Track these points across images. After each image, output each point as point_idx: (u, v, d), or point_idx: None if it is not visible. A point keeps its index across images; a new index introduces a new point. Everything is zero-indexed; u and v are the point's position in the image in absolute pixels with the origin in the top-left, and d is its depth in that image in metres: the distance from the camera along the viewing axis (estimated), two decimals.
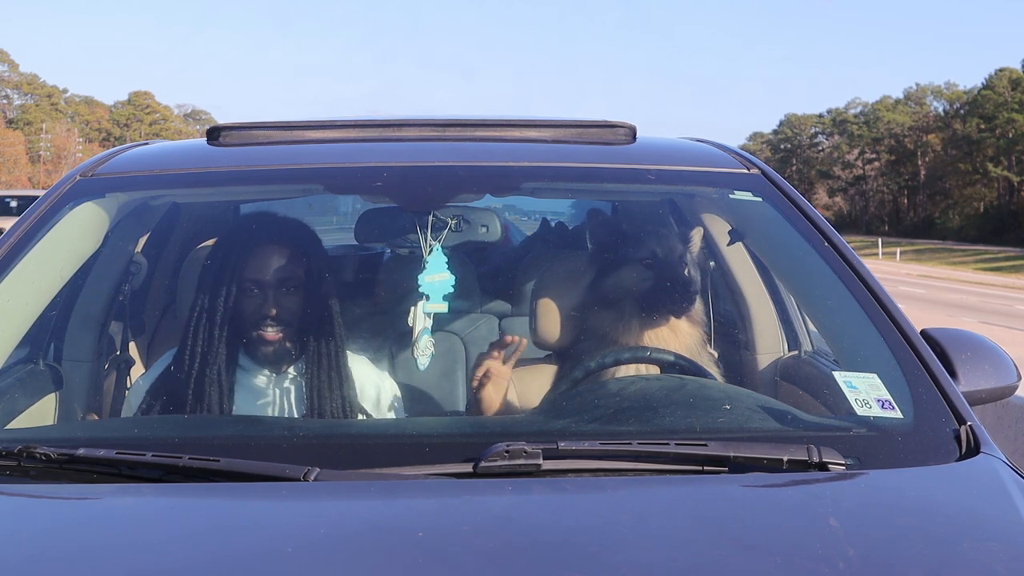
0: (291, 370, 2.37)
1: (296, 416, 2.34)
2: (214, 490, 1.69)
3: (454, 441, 1.90)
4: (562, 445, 1.71)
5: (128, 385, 2.71)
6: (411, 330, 2.43)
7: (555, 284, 2.59)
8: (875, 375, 2.00)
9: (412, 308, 2.36)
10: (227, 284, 2.34)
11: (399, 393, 2.50)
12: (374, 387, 2.43)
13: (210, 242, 2.75)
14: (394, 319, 2.66)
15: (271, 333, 2.31)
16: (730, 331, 2.93)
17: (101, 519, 1.64)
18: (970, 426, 1.85)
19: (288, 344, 2.34)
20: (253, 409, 2.34)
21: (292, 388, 2.37)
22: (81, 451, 1.73)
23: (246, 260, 2.35)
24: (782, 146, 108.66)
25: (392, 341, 2.82)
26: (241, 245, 2.41)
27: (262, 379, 2.37)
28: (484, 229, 3.36)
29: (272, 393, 2.37)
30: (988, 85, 79.32)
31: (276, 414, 2.35)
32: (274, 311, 2.31)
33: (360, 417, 2.33)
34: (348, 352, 2.42)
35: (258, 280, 2.33)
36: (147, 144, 2.82)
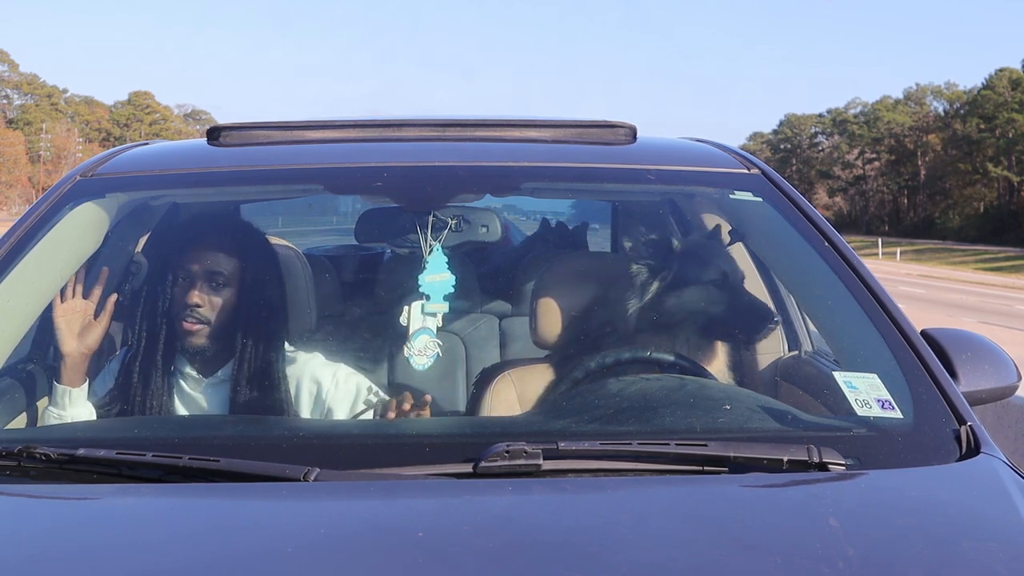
0: (220, 373, 2.35)
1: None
2: (214, 490, 1.69)
3: (454, 441, 1.90)
4: (562, 445, 1.71)
5: None
6: (407, 330, 2.42)
7: (555, 284, 2.59)
8: (875, 375, 2.00)
9: (406, 308, 2.35)
10: (161, 278, 2.36)
11: (367, 391, 2.43)
12: (315, 385, 2.38)
13: None
14: (394, 319, 2.66)
15: (192, 324, 2.30)
16: None
17: (101, 519, 1.64)
18: (970, 426, 1.85)
19: (213, 342, 2.32)
20: (182, 410, 2.35)
21: (220, 390, 2.35)
22: (81, 451, 1.73)
23: (181, 253, 2.36)
24: (782, 146, 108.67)
25: (392, 341, 2.81)
26: (180, 240, 2.42)
27: (192, 380, 2.36)
28: (484, 229, 3.36)
29: (203, 395, 2.35)
30: (988, 85, 79.36)
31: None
32: (197, 301, 2.30)
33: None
34: (299, 352, 2.40)
35: (187, 269, 2.33)
36: (147, 144, 2.82)
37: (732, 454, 1.72)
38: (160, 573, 1.42)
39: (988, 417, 5.68)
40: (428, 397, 2.19)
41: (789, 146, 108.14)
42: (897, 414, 1.91)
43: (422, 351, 2.34)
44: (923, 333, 2.12)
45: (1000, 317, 22.11)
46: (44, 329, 2.55)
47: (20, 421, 2.34)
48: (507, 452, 1.69)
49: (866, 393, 1.96)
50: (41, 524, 1.62)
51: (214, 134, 2.62)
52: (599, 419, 1.95)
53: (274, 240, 2.53)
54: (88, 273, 2.32)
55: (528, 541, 1.48)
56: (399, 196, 2.84)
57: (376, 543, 1.47)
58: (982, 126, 78.83)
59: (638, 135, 2.65)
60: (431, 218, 2.48)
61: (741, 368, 2.51)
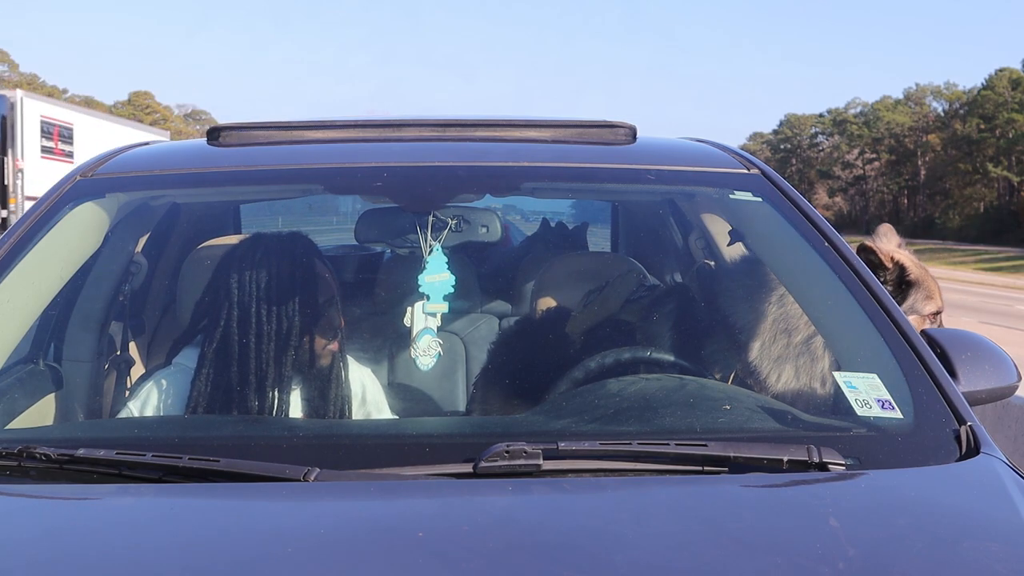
0: (297, 379, 2.28)
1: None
2: (214, 490, 1.69)
3: (454, 441, 1.91)
4: (562, 445, 1.71)
5: (128, 385, 2.71)
6: (409, 330, 2.43)
7: (555, 284, 2.59)
8: (875, 375, 2.00)
9: (409, 308, 2.36)
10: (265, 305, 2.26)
11: (382, 393, 2.46)
12: (360, 385, 2.40)
13: (211, 242, 2.75)
14: (394, 319, 2.66)
15: (336, 344, 2.29)
16: None
17: (101, 520, 1.64)
18: (970, 426, 1.85)
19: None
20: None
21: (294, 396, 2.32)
22: (81, 451, 1.73)
23: (314, 273, 2.34)
24: (782, 146, 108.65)
25: (392, 341, 2.82)
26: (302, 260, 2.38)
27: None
28: (484, 229, 3.36)
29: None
30: (988, 85, 79.29)
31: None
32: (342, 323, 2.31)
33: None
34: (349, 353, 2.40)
35: (325, 290, 2.31)
36: (147, 144, 2.82)
37: (732, 454, 1.73)
38: (160, 573, 1.42)
39: (988, 417, 5.68)
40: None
41: (789, 146, 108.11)
42: (897, 414, 1.91)
43: (426, 351, 2.34)
44: (923, 333, 2.12)
45: (1000, 317, 22.10)
46: (44, 329, 2.55)
47: (20, 421, 2.31)
48: (507, 452, 1.69)
49: (866, 393, 1.96)
50: (41, 524, 1.62)
51: (214, 134, 2.62)
52: (599, 419, 1.95)
53: None
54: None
55: (528, 541, 1.48)
56: (399, 196, 2.84)
57: (376, 543, 1.47)
58: (982, 126, 78.75)
59: (638, 135, 2.65)
60: (431, 218, 2.49)
61: (740, 367, 2.51)
